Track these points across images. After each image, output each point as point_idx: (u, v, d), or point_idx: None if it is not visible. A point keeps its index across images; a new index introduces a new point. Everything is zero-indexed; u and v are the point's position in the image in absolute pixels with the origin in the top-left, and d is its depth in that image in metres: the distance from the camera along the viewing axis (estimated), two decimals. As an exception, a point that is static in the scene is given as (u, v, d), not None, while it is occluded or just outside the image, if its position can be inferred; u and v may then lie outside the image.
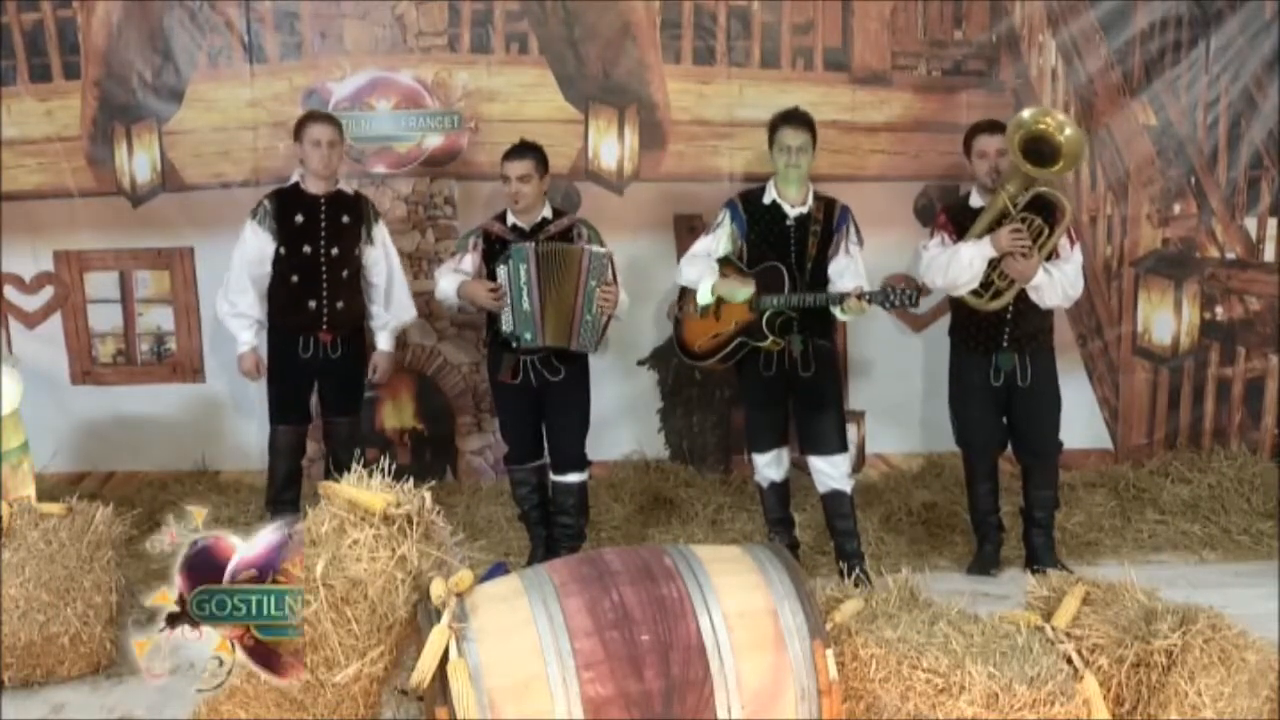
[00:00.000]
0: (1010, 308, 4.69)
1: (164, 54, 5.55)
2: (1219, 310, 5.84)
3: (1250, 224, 5.79)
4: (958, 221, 4.75)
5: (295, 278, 4.96)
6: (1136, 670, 3.26)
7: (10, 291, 5.71)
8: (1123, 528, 5.32)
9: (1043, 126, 4.58)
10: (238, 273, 5.00)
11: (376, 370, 5.24)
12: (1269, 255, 5.80)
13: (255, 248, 4.97)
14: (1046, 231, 4.61)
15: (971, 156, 4.80)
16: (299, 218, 4.95)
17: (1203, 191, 5.75)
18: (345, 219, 5.01)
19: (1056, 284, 4.67)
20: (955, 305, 4.87)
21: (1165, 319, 5.84)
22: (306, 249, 4.96)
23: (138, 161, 5.61)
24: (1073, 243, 4.73)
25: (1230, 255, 5.80)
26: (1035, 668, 3.05)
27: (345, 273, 5.02)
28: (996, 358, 4.76)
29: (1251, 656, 3.28)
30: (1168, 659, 3.24)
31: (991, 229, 4.62)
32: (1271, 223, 5.78)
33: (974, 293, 4.68)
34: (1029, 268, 4.59)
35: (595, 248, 4.78)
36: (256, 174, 5.48)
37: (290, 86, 5.59)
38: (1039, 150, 4.55)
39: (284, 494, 5.10)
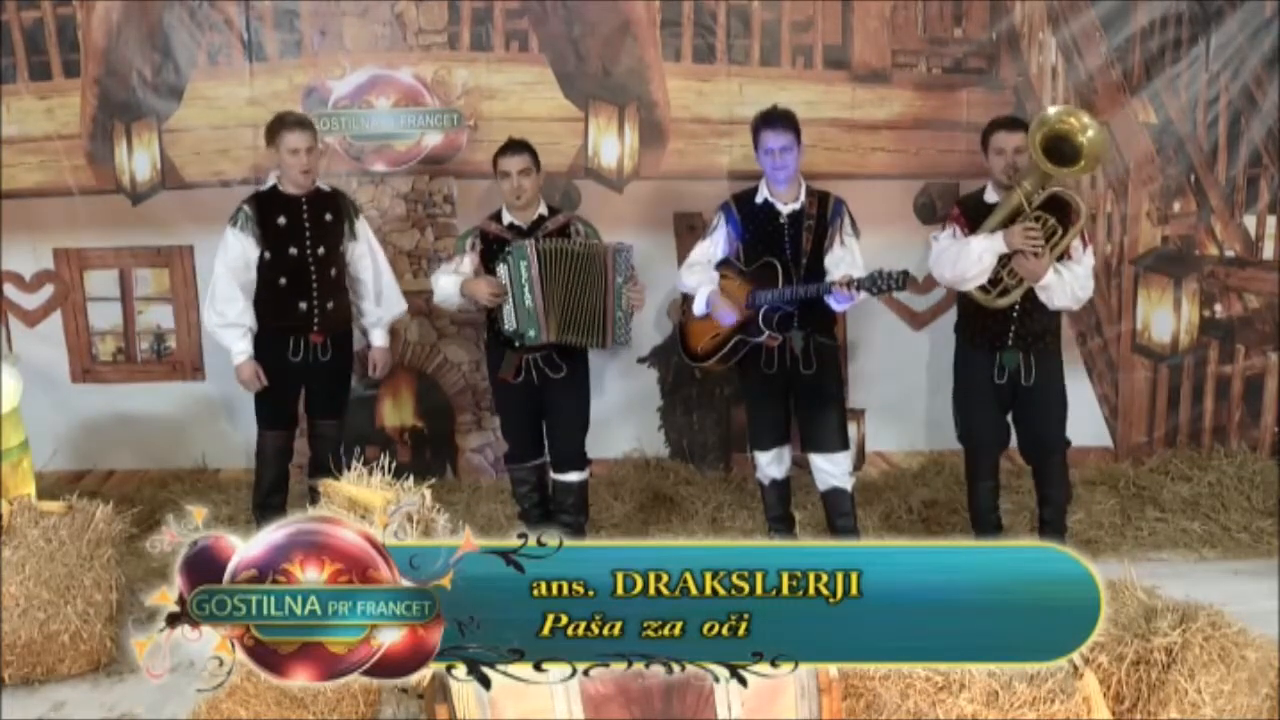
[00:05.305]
0: (1017, 306, 4.65)
1: (164, 52, 5.54)
2: (1218, 308, 5.84)
3: (1249, 222, 5.79)
4: (971, 216, 4.71)
5: (283, 280, 4.91)
6: (1136, 668, 3.28)
7: (10, 290, 5.71)
8: (1123, 525, 5.32)
9: (1065, 126, 4.52)
10: (224, 281, 4.91)
11: (376, 367, 5.23)
12: (1268, 253, 5.79)
13: (239, 253, 4.89)
14: (1060, 231, 4.56)
15: (989, 153, 4.74)
16: (281, 220, 4.89)
17: (1202, 189, 5.75)
18: (328, 217, 4.97)
19: (1066, 285, 4.61)
20: (961, 302, 4.86)
21: (1165, 317, 5.83)
22: (293, 251, 4.91)
23: (137, 159, 5.61)
24: (1085, 245, 4.68)
25: (1229, 253, 5.80)
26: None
27: (333, 272, 4.98)
28: (1001, 356, 4.72)
29: (1251, 654, 3.29)
30: (1168, 657, 3.25)
31: (1005, 225, 4.58)
32: (1271, 221, 5.78)
33: (982, 289, 4.64)
34: (1039, 266, 4.54)
35: (619, 243, 4.82)
36: (256, 172, 5.47)
37: (290, 85, 5.58)
38: (1059, 149, 4.50)
39: (271, 498, 5.06)
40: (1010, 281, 4.62)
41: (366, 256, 5.09)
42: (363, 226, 5.10)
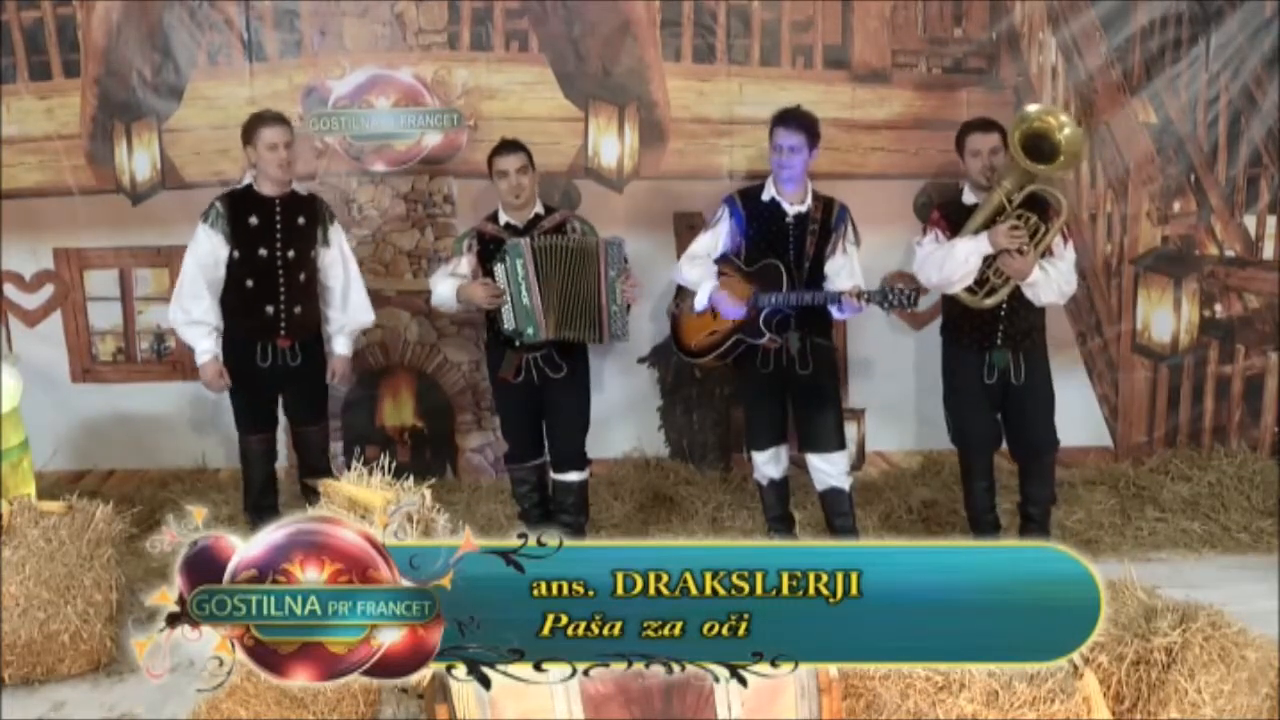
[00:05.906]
0: (1003, 305, 4.68)
1: (163, 52, 5.54)
2: (1218, 308, 5.84)
3: (1249, 222, 5.79)
4: (952, 219, 4.74)
5: (250, 282, 4.87)
6: (1136, 668, 3.27)
7: (10, 290, 5.71)
8: (1122, 525, 5.32)
9: (1043, 124, 4.59)
10: (192, 278, 4.86)
11: (335, 375, 5.14)
12: (1268, 253, 5.80)
13: (209, 250, 4.84)
14: (1043, 229, 4.60)
15: (965, 155, 4.79)
16: (253, 220, 4.85)
17: (1202, 189, 5.75)
18: (300, 220, 4.93)
19: (1052, 281, 4.66)
20: (947, 303, 4.87)
21: (1165, 317, 5.84)
22: (262, 251, 4.86)
23: (137, 159, 5.61)
24: (1066, 240, 4.72)
25: (1229, 253, 5.80)
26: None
27: (302, 276, 4.93)
28: (990, 355, 4.75)
29: (1251, 654, 3.29)
30: (1168, 656, 3.25)
31: (987, 225, 4.62)
32: (1271, 220, 5.78)
33: (969, 290, 4.67)
34: (1025, 265, 4.58)
35: (611, 236, 4.82)
36: (255, 172, 5.47)
37: (290, 84, 5.58)
38: (1038, 147, 4.56)
39: (263, 500, 5.06)
40: (997, 281, 4.64)
41: (338, 264, 5.03)
42: (336, 234, 5.05)
